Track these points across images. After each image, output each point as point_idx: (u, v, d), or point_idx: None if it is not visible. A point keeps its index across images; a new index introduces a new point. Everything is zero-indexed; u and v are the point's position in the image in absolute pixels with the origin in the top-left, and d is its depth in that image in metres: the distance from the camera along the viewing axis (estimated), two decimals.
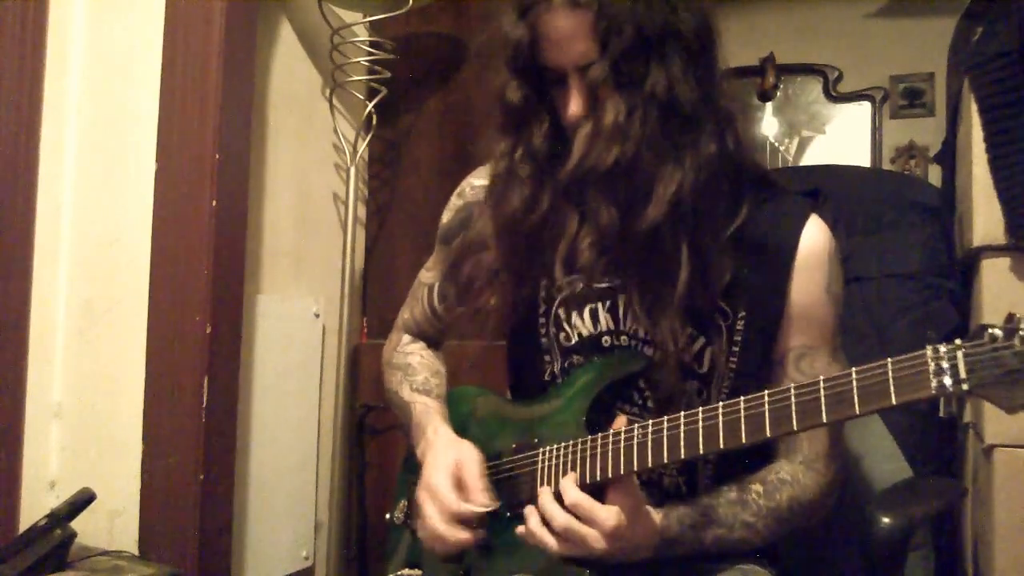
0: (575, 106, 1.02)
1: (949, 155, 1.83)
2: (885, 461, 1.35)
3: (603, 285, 1.09)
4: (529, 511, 0.98)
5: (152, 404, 1.65)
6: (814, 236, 1.09)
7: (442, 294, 1.26)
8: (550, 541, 0.95)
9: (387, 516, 1.26)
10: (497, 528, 1.05)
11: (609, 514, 0.93)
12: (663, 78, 0.98)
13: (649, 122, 0.98)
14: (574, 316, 1.11)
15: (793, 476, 1.06)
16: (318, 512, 2.05)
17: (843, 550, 1.20)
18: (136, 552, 1.63)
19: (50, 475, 1.69)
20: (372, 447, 2.10)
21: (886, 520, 1.09)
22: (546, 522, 0.96)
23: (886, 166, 3.30)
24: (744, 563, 1.06)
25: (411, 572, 1.17)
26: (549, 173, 1.06)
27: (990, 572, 1.43)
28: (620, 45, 0.97)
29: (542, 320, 1.14)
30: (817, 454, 1.07)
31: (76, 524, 1.47)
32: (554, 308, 1.12)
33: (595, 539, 0.93)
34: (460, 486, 1.03)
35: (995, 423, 1.43)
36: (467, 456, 1.06)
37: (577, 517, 0.94)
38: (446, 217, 1.25)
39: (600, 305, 1.10)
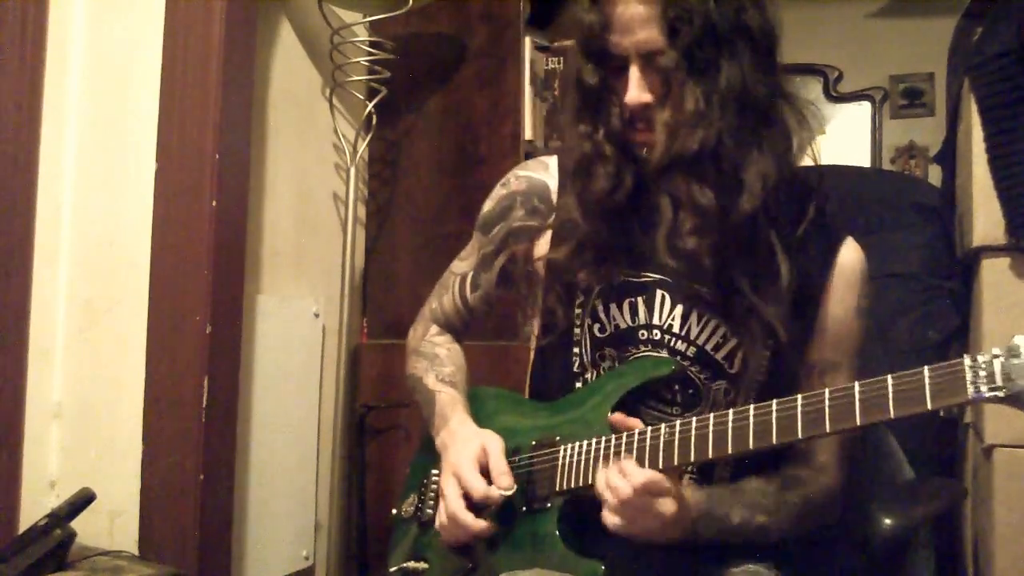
0: (634, 92, 1.03)
1: (949, 155, 1.83)
2: (885, 461, 1.35)
3: (642, 279, 1.10)
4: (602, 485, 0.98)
5: (152, 404, 1.65)
6: (852, 254, 1.12)
7: (474, 283, 1.26)
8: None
9: (392, 511, 1.26)
10: (511, 523, 1.06)
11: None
12: (735, 71, 1.00)
13: (727, 111, 1.00)
14: (612, 308, 1.11)
15: (808, 477, 1.08)
16: (318, 512, 2.05)
17: (844, 550, 1.20)
18: (136, 552, 1.63)
19: (50, 475, 1.68)
20: (372, 447, 2.10)
21: (887, 520, 1.09)
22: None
23: (886, 166, 3.30)
24: (752, 564, 1.07)
25: (416, 564, 1.17)
26: (629, 155, 1.08)
27: (990, 572, 1.43)
28: (690, 34, 0.99)
29: (578, 311, 1.14)
30: (830, 461, 1.09)
31: (76, 524, 1.47)
32: (592, 299, 1.13)
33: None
34: (484, 472, 1.05)
35: (995, 423, 1.43)
36: (491, 443, 1.08)
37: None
38: (488, 206, 1.25)
39: (640, 299, 1.10)
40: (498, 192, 1.24)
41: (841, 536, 1.17)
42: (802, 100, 1.11)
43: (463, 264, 1.28)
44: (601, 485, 0.97)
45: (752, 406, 0.91)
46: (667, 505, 0.94)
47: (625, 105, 1.04)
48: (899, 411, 0.82)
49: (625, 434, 0.99)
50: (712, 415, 0.94)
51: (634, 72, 1.03)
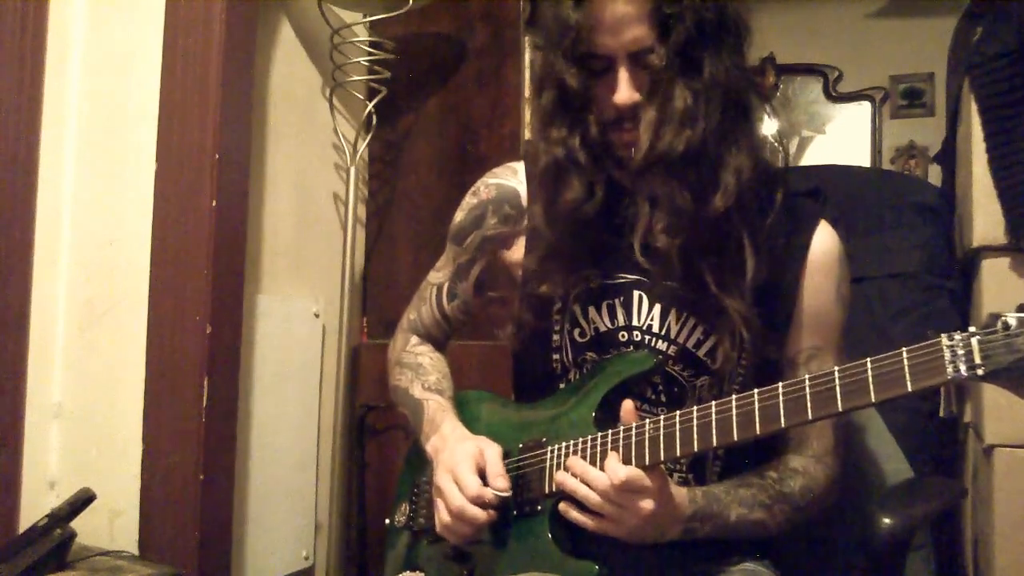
0: (625, 92, 1.02)
1: (949, 155, 1.83)
2: (885, 461, 1.34)
3: (618, 281, 1.10)
4: (564, 477, 0.99)
5: (152, 404, 1.65)
6: (825, 239, 1.11)
7: (451, 293, 1.26)
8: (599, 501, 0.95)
9: (387, 521, 1.25)
10: (504, 527, 1.05)
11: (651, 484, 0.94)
12: (720, 65, 1.00)
13: (713, 108, 1.00)
14: (591, 311, 1.11)
15: (804, 467, 1.08)
16: (318, 512, 2.05)
17: (844, 550, 1.20)
18: (136, 552, 1.63)
19: (50, 475, 1.68)
20: (372, 447, 2.10)
21: (887, 520, 1.09)
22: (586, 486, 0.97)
23: (886, 166, 3.30)
24: (749, 563, 1.06)
25: (412, 574, 1.16)
26: (604, 161, 1.07)
27: (990, 572, 1.43)
28: (682, 32, 0.98)
29: (557, 317, 1.13)
30: (825, 450, 1.09)
31: (76, 524, 1.47)
32: (570, 304, 1.12)
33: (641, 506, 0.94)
34: (479, 474, 1.04)
35: (995, 423, 1.43)
36: (487, 446, 1.07)
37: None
38: (459, 216, 1.24)
39: (617, 301, 1.10)
40: (469, 201, 1.23)
41: (841, 536, 1.17)
42: (769, 90, 1.11)
43: (439, 275, 1.28)
44: (573, 486, 0.98)
45: (734, 397, 0.91)
46: (647, 504, 0.94)
47: (614, 105, 1.03)
48: (880, 394, 0.81)
49: (610, 431, 0.99)
50: (695, 408, 0.94)
51: (623, 72, 1.02)
